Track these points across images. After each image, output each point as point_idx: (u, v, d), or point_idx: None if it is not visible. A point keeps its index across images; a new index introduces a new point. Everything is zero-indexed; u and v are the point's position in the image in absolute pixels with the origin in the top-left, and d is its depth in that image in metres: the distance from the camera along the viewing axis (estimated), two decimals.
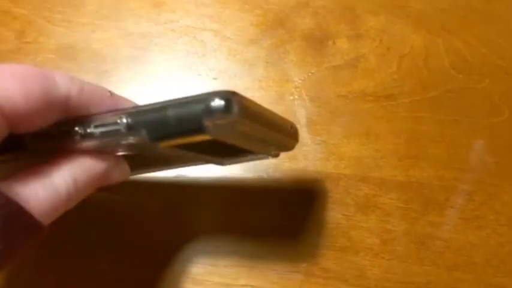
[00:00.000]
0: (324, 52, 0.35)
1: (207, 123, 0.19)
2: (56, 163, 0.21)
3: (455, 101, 0.35)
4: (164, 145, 0.20)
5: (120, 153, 0.23)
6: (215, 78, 0.35)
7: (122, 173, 0.24)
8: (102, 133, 0.21)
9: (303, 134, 0.34)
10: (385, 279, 0.30)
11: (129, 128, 0.20)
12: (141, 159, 0.27)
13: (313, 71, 0.35)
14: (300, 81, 0.35)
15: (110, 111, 0.21)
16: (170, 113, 0.19)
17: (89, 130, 0.21)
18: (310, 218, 0.32)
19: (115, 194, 0.32)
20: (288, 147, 0.26)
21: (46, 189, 0.20)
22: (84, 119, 0.21)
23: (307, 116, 0.34)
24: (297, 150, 0.33)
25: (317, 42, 0.36)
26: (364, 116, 0.34)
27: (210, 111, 0.18)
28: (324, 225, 0.32)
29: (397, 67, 0.35)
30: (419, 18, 0.36)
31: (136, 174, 0.32)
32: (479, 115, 0.34)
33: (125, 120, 0.20)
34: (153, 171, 0.31)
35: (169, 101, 0.20)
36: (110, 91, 0.23)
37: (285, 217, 0.32)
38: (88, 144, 0.21)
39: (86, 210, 0.28)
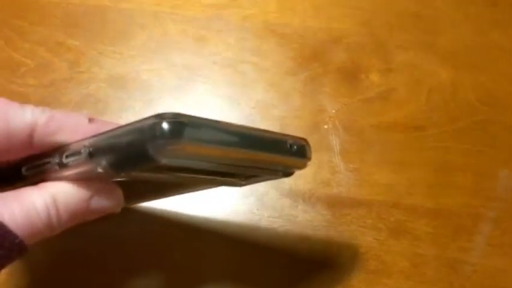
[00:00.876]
0: (357, 85, 0.38)
1: (152, 151, 0.17)
2: (38, 186, 0.21)
3: (480, 132, 0.37)
4: (131, 175, 0.19)
5: (113, 179, 0.22)
6: (254, 108, 0.38)
7: (114, 201, 0.22)
8: (73, 162, 0.19)
9: (337, 161, 0.36)
10: None
11: (91, 156, 0.19)
12: (145, 186, 0.26)
13: (346, 102, 0.37)
14: (334, 111, 0.37)
15: (83, 139, 0.20)
16: (121, 139, 0.18)
17: (63, 160, 0.20)
18: (344, 242, 0.34)
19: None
20: (297, 166, 0.24)
21: (23, 207, 0.20)
22: (60, 149, 0.20)
23: (341, 145, 0.36)
24: (331, 177, 0.35)
25: (350, 76, 0.38)
26: (395, 146, 0.36)
27: (154, 138, 0.17)
28: (357, 249, 0.34)
29: (426, 100, 0.37)
30: (446, 54, 0.38)
31: (141, 202, 0.32)
32: (503, 146, 0.36)
33: (87, 149, 0.19)
34: (160, 198, 0.31)
35: (122, 126, 0.18)
36: (90, 118, 0.22)
37: (318, 241, 0.34)
38: (67, 173, 0.20)
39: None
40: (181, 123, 0.17)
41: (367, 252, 0.34)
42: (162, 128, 0.17)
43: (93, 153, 0.19)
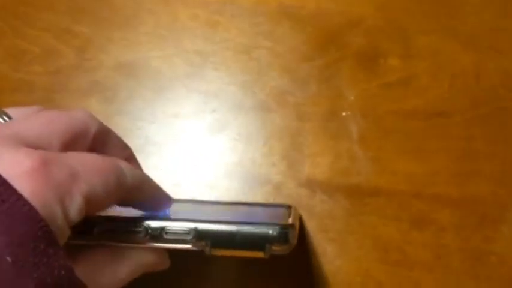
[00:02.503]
0: (376, 70, 0.36)
1: (267, 247, 0.24)
2: (120, 253, 0.24)
3: (505, 118, 0.35)
4: (218, 253, 0.25)
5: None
6: (268, 95, 0.36)
7: (166, 264, 0.26)
8: (169, 237, 0.24)
9: (356, 149, 0.35)
10: None
11: (198, 238, 0.24)
12: None
13: (365, 88, 0.36)
14: (352, 98, 0.36)
15: (179, 219, 0.25)
16: (238, 231, 0.24)
17: (160, 234, 0.24)
18: (364, 232, 0.33)
19: None
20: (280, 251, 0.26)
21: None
22: (152, 219, 0.24)
23: (360, 132, 0.35)
24: (350, 165, 0.34)
25: (369, 61, 0.36)
26: (416, 133, 0.35)
27: (273, 239, 0.24)
28: (378, 240, 0.33)
29: (449, 86, 0.36)
30: (469, 38, 0.36)
31: None
32: None
33: (194, 231, 0.24)
34: None
35: (238, 222, 0.25)
36: (128, 157, 0.27)
37: (337, 232, 0.33)
38: (152, 243, 0.24)
39: None
40: (292, 233, 0.25)
41: (388, 243, 0.33)
42: (279, 234, 0.24)
43: (201, 235, 0.24)
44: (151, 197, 0.26)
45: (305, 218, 0.33)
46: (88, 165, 0.20)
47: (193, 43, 0.37)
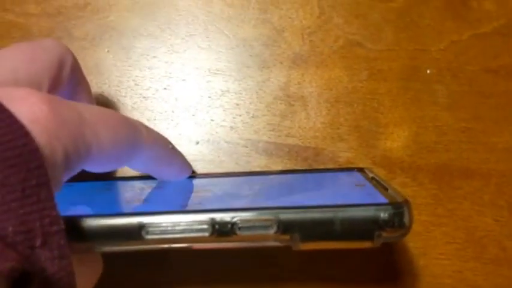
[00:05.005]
0: (468, 16, 0.28)
1: (377, 234, 0.18)
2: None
3: None
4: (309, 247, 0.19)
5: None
6: (331, 47, 0.28)
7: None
8: (244, 233, 0.18)
9: (444, 119, 0.27)
10: None
11: (283, 230, 0.18)
12: None
13: (454, 40, 0.28)
14: (439, 51, 0.28)
15: (252, 208, 0.19)
16: (337, 215, 0.18)
17: (231, 229, 0.18)
18: (455, 223, 0.26)
19: None
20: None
21: None
22: (217, 211, 0.19)
23: (449, 96, 0.28)
24: (437, 139, 0.27)
25: (458, 3, 0.28)
26: None
27: (385, 223, 0.18)
28: (472, 233, 0.26)
29: None
30: None
31: None
32: None
33: (277, 222, 0.18)
34: None
35: (334, 206, 0.18)
36: (171, 144, 0.24)
37: (422, 223, 0.26)
38: (222, 242, 0.19)
39: None
40: (407, 212, 0.19)
41: (485, 237, 0.26)
42: (392, 215, 0.18)
43: (288, 225, 0.18)
44: (169, 162, 0.23)
45: None
46: (96, 114, 0.18)
47: None
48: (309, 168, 0.27)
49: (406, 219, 0.18)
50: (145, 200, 0.22)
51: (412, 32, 0.28)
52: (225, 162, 0.27)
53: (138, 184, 0.24)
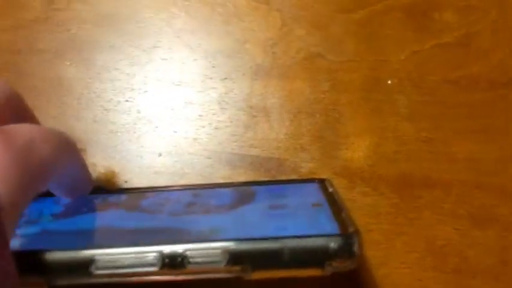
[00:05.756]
0: (428, 27, 0.29)
1: (327, 263, 0.18)
2: None
3: None
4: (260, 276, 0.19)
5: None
6: (293, 58, 0.28)
7: None
8: (193, 267, 0.18)
9: (405, 129, 0.28)
10: None
11: (233, 262, 0.18)
12: None
13: (415, 50, 0.28)
14: (400, 62, 0.28)
15: (203, 240, 0.19)
16: (286, 246, 0.18)
17: (181, 262, 0.18)
18: (416, 232, 0.27)
19: None
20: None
21: None
22: (166, 243, 0.19)
23: (410, 106, 0.28)
24: (397, 149, 0.27)
25: (419, 14, 0.29)
26: (480, 108, 0.28)
27: (334, 253, 0.18)
28: (433, 242, 0.27)
29: None
30: None
31: None
32: None
33: (227, 254, 0.18)
34: None
35: (284, 236, 0.19)
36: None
37: (383, 232, 0.26)
38: (170, 275, 0.18)
39: None
40: (357, 242, 0.19)
41: (445, 246, 0.27)
42: (342, 246, 0.18)
43: (237, 255, 0.18)
44: (79, 176, 0.22)
45: None
46: (38, 133, 0.18)
47: None
48: (272, 179, 0.27)
49: (355, 250, 0.18)
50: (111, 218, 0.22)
51: (373, 42, 0.29)
52: (189, 174, 0.27)
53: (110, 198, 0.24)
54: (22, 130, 0.18)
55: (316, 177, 0.26)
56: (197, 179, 0.27)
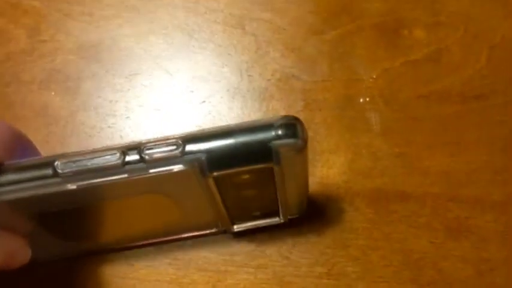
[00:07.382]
0: (399, 44, 0.30)
1: (275, 149, 0.19)
2: None
3: None
4: (217, 175, 0.19)
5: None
6: (269, 80, 0.29)
7: (26, 256, 0.22)
8: (152, 158, 0.19)
9: (378, 145, 0.28)
10: None
11: (186, 153, 0.19)
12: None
13: (386, 67, 0.29)
14: (372, 80, 0.29)
15: (161, 138, 0.19)
16: (235, 139, 0.19)
17: (140, 155, 0.19)
18: (392, 246, 0.27)
19: None
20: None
21: None
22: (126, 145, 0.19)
23: (382, 123, 0.29)
24: (372, 164, 0.28)
25: (390, 32, 0.30)
26: (451, 121, 0.29)
27: (278, 137, 0.19)
28: (409, 255, 0.27)
29: (487, 60, 0.29)
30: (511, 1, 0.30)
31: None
32: None
33: (181, 142, 0.19)
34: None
35: (231, 126, 0.19)
36: None
37: (359, 247, 0.27)
38: (135, 174, 0.19)
39: None
40: (300, 127, 0.19)
41: (421, 259, 0.27)
42: (286, 129, 0.19)
43: (190, 150, 0.19)
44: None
45: (319, 230, 0.27)
46: None
47: (173, 16, 0.30)
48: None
49: (299, 131, 0.19)
50: None
51: (345, 62, 0.30)
52: None
53: None
54: None
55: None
56: None
